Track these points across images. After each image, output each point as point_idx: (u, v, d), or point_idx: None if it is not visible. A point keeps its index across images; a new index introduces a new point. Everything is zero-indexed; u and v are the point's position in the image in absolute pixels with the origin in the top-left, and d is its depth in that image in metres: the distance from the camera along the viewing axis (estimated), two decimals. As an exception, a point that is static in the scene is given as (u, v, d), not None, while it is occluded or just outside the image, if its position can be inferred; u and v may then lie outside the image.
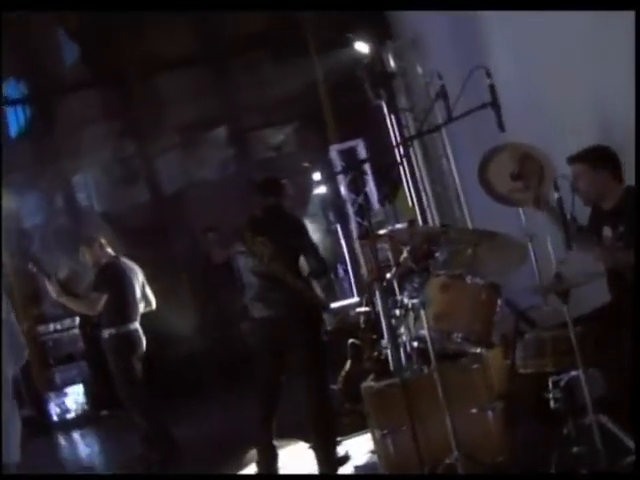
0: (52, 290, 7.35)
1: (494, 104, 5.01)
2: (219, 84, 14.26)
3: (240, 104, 14.07)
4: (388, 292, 6.11)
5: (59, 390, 11.38)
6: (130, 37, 13.12)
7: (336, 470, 6.15)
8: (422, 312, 5.02)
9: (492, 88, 5.03)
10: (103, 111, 14.07)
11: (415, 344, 5.49)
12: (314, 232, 8.79)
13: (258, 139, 14.57)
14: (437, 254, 5.42)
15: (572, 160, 5.10)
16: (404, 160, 9.48)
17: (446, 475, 4.86)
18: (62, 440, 10.73)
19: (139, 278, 7.74)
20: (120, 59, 13.46)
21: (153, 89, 14.13)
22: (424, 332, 5.00)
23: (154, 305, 7.84)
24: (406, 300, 5.49)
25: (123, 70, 13.64)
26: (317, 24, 12.20)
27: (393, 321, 5.76)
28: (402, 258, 5.80)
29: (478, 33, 7.80)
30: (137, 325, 7.55)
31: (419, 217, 9.86)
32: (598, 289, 5.03)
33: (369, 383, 5.80)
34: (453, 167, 9.53)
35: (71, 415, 11.31)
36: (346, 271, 11.08)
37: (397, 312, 5.70)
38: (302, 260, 6.27)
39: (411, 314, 5.33)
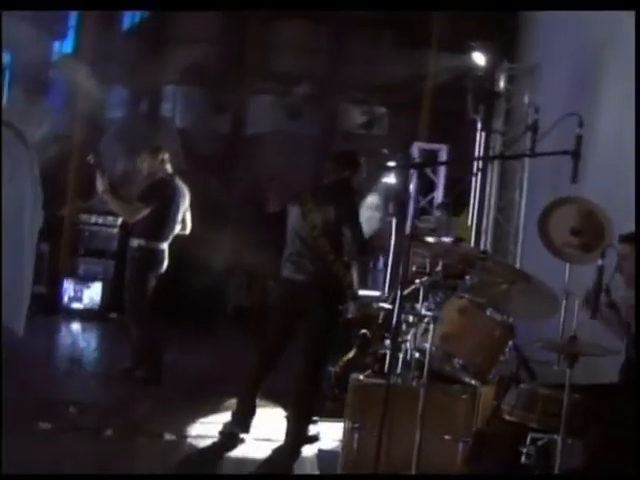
0: (100, 185, 7.40)
1: (575, 154, 4.92)
2: (333, 45, 14.22)
3: (346, 72, 14.02)
4: (410, 297, 6.06)
5: (78, 280, 11.50)
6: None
7: (300, 446, 6.14)
8: (432, 326, 4.97)
9: (579, 139, 4.96)
10: (215, 36, 14.17)
11: (416, 354, 5.46)
12: (369, 218, 8.75)
13: (349, 110, 14.56)
14: (468, 277, 5.37)
15: (622, 239, 4.96)
16: (478, 178, 9.41)
17: (445, 475, 4.83)
18: (64, 327, 10.86)
19: (185, 202, 7.76)
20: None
21: (268, 33, 14.15)
22: (427, 346, 4.96)
23: (188, 231, 7.86)
24: (423, 310, 5.47)
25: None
26: (446, 21, 12.08)
27: (404, 325, 5.73)
28: (435, 270, 5.77)
29: (597, 78, 7.62)
30: (165, 246, 7.59)
31: (472, 239, 9.77)
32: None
33: (358, 376, 5.78)
34: (523, 201, 9.43)
35: (81, 306, 11.42)
36: (385, 264, 11.03)
37: (410, 318, 5.68)
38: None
39: (422, 325, 5.30)
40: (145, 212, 7.41)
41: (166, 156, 7.74)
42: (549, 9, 8.54)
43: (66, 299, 11.43)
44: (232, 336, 11.08)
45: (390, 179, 11.31)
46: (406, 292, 5.93)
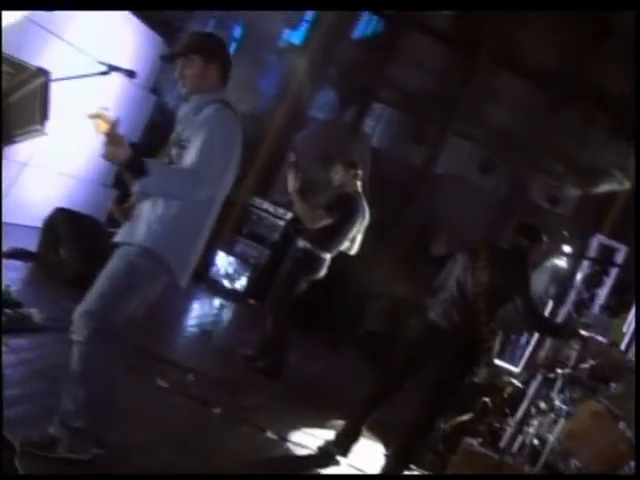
0: (291, 184, 7.46)
1: None
2: (548, 113, 14.04)
3: (551, 143, 13.81)
4: (545, 382, 5.93)
5: (232, 257, 11.76)
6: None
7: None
8: (561, 420, 4.85)
9: None
10: (438, 68, 14.25)
11: (535, 441, 5.34)
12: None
13: (541, 181, 14.37)
14: (613, 385, 5.21)
15: None
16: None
17: (445, 475, 4.73)
18: (204, 297, 11.09)
19: (363, 223, 7.78)
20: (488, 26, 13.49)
21: (491, 81, 14.12)
22: (550, 437, 4.85)
23: (354, 251, 7.89)
24: (557, 402, 5.35)
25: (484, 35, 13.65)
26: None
27: (533, 409, 5.62)
28: (581, 366, 5.63)
29: None
30: (328, 256, 7.62)
31: (623, 345, 9.45)
32: None
33: (471, 441, 5.69)
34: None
35: (226, 283, 11.68)
36: (528, 342, 10.82)
37: (542, 405, 5.56)
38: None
39: (551, 415, 5.18)
40: (326, 222, 7.45)
41: (359, 172, 7.75)
42: (549, 9, 8.35)
43: (214, 271, 11.72)
44: (357, 358, 11.09)
45: (560, 261, 11.08)
46: (542, 377, 5.82)
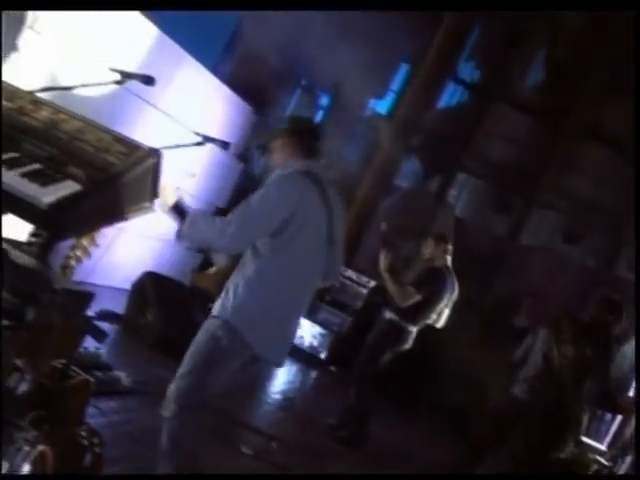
0: (382, 262, 7.46)
1: None
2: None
3: None
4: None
5: (313, 322, 11.71)
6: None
7: None
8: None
9: None
10: (523, 140, 14.23)
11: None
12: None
13: (629, 255, 14.13)
14: None
15: None
16: None
17: (446, 475, 4.61)
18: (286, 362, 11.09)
19: (451, 298, 7.73)
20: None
21: (574, 154, 14.05)
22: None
23: (440, 325, 7.84)
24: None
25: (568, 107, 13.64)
26: None
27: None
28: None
29: None
30: (415, 329, 7.59)
31: None
32: None
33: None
34: None
35: (307, 349, 11.67)
36: (613, 418, 10.55)
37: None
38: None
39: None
40: (416, 299, 7.43)
41: (449, 247, 7.71)
42: (549, 9, 8.17)
43: (296, 338, 11.64)
44: (439, 429, 10.94)
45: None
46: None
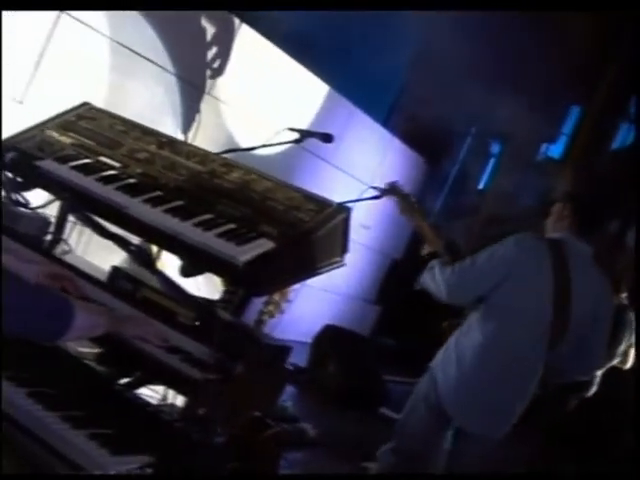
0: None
1: None
2: None
3: None
4: None
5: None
6: None
7: None
8: None
9: None
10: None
11: None
12: None
13: None
14: None
15: None
16: None
17: (446, 475, 4.33)
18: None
19: (633, 333, 7.48)
20: None
21: None
22: None
23: (627, 366, 7.56)
24: None
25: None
26: None
27: None
28: None
29: None
30: (599, 373, 7.37)
31: None
32: None
33: None
34: None
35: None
36: None
37: None
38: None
39: None
40: None
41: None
42: (550, 9, 7.64)
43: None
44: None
45: None
46: None
